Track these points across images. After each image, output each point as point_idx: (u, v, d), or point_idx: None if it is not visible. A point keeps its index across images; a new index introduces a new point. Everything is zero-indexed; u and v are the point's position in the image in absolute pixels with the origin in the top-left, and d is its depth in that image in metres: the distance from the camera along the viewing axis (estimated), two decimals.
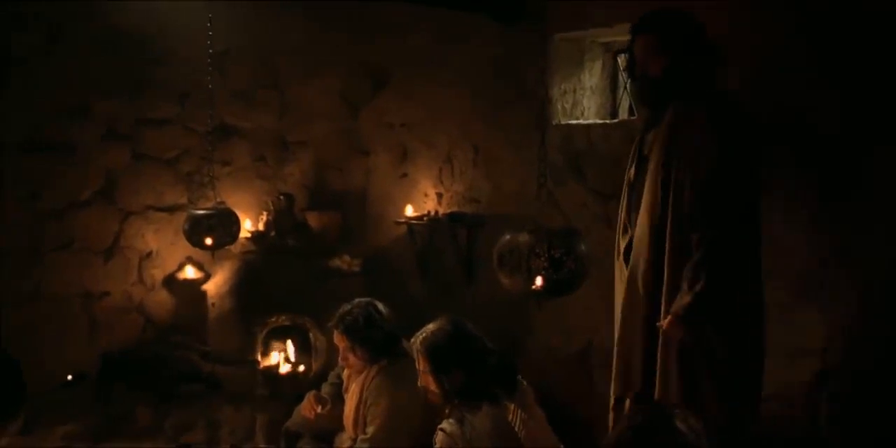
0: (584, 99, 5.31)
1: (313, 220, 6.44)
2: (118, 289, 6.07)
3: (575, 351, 4.96)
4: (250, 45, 6.15)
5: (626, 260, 3.63)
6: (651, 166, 3.45)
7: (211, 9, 4.90)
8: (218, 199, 5.28)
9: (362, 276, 5.99)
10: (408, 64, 6.14)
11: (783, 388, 3.79)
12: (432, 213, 5.93)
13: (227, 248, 5.40)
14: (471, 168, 5.72)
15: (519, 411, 3.51)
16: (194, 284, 6.10)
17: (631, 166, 3.67)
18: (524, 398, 3.60)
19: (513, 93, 5.31)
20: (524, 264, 3.52)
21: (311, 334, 5.79)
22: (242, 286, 5.83)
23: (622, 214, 3.70)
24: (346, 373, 4.49)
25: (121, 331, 6.07)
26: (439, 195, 5.99)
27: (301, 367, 5.78)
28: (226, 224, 5.05)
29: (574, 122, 5.10)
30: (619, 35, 4.90)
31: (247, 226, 5.99)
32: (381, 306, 4.35)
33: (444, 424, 3.56)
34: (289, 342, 5.83)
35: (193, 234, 4.99)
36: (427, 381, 3.67)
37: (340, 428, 4.45)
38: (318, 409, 4.46)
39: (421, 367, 3.67)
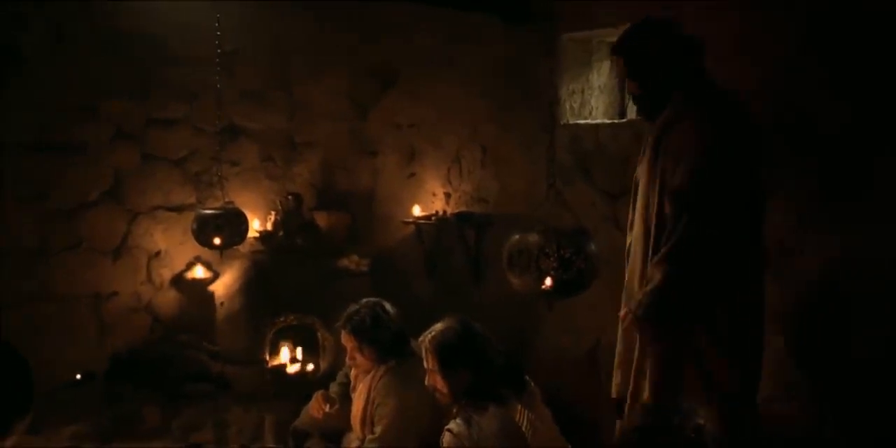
0: (593, 99, 5.30)
1: (321, 220, 6.44)
2: (126, 289, 6.08)
3: (583, 351, 4.95)
4: (258, 45, 6.16)
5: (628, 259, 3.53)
6: (645, 166, 3.38)
7: (219, 9, 4.91)
8: (226, 199, 5.29)
9: (370, 276, 5.99)
10: (415, 64, 6.15)
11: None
12: (440, 212, 5.93)
13: (235, 247, 5.41)
14: (479, 168, 5.73)
15: (526, 411, 3.51)
16: (203, 284, 6.11)
17: (638, 165, 3.53)
18: (531, 398, 3.60)
19: (521, 93, 5.30)
20: (534, 264, 3.52)
21: (318, 334, 5.80)
22: (251, 286, 5.83)
23: (630, 214, 3.58)
24: (353, 372, 4.49)
25: (129, 330, 6.08)
26: (447, 195, 5.99)
27: (309, 367, 5.79)
28: (234, 224, 5.05)
29: (582, 121, 5.10)
30: None
31: (255, 225, 6.00)
32: (388, 306, 4.34)
33: (451, 425, 3.56)
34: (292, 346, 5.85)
35: (202, 233, 5.00)
36: (435, 380, 3.67)
37: (348, 427, 4.45)
38: (326, 409, 4.46)
39: (429, 366, 3.67)
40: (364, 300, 4.37)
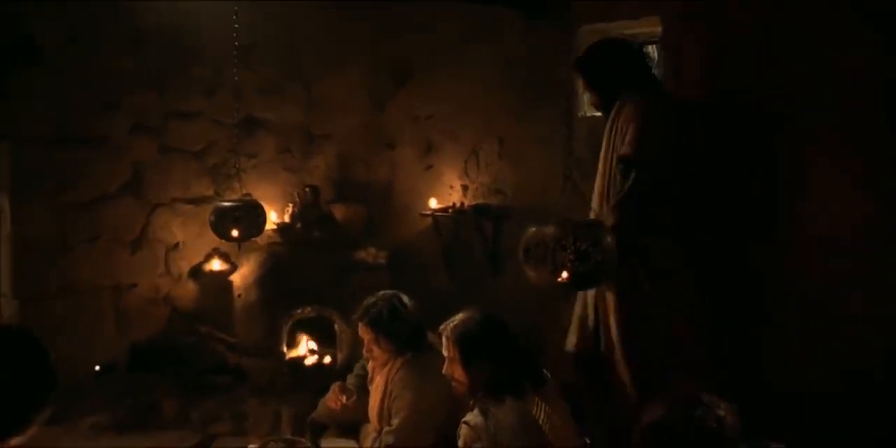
0: None
1: (339, 212, 6.45)
2: (145, 280, 6.13)
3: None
4: (276, 39, 6.17)
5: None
6: (603, 146, 4.13)
7: (237, 4, 4.91)
8: (244, 192, 5.30)
9: (387, 269, 5.99)
10: (433, 57, 6.14)
11: None
12: (457, 205, 5.93)
13: (253, 240, 5.42)
14: (496, 160, 5.72)
15: (543, 405, 3.50)
16: (221, 276, 6.13)
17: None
18: (549, 392, 3.59)
19: (539, 85, 5.29)
20: (550, 257, 3.51)
21: (336, 326, 5.81)
22: (268, 278, 5.85)
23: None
24: (371, 365, 4.50)
25: (148, 322, 6.13)
26: (465, 187, 5.99)
27: (326, 359, 5.80)
28: (252, 216, 5.05)
29: (599, 114, 5.08)
30: (645, 27, 4.88)
31: (272, 218, 6.01)
32: (405, 299, 4.35)
33: (468, 417, 3.55)
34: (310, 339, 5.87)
35: (220, 226, 5.00)
36: (454, 369, 3.66)
37: (365, 419, 4.47)
38: (344, 401, 4.47)
39: (449, 355, 3.66)
40: (381, 292, 4.37)
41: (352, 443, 4.48)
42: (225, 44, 5.02)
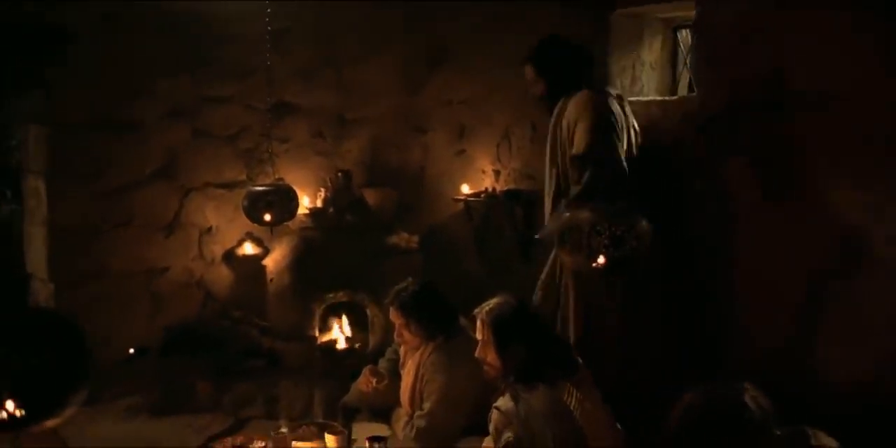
0: (644, 75, 5.25)
1: (371, 196, 6.45)
2: (179, 264, 6.17)
3: None
4: (309, 23, 6.16)
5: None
6: (549, 140, 4.41)
7: None
8: (277, 176, 5.33)
9: (419, 253, 6.00)
10: (466, 41, 6.10)
11: None
12: (489, 190, 5.91)
13: (285, 224, 5.44)
14: (528, 145, 5.69)
15: (575, 392, 3.49)
16: (253, 260, 6.15)
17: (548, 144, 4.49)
18: (582, 380, 3.58)
19: None
20: (585, 242, 3.50)
21: (368, 310, 5.82)
22: (300, 262, 5.86)
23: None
24: (402, 349, 4.52)
25: (181, 306, 6.17)
26: (496, 172, 5.97)
27: (358, 344, 5.82)
28: (284, 200, 5.07)
29: (633, 98, 5.04)
30: (680, 10, 4.84)
31: (305, 202, 6.03)
32: (437, 283, 4.36)
33: (499, 402, 3.56)
34: (344, 318, 5.89)
35: (253, 210, 5.02)
36: (486, 352, 3.66)
37: (397, 403, 4.49)
38: (375, 385, 4.49)
39: (482, 338, 3.66)
40: (413, 277, 4.39)
41: (383, 426, 4.50)
42: (258, 28, 5.05)
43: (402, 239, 6.06)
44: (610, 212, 3.59)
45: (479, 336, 3.70)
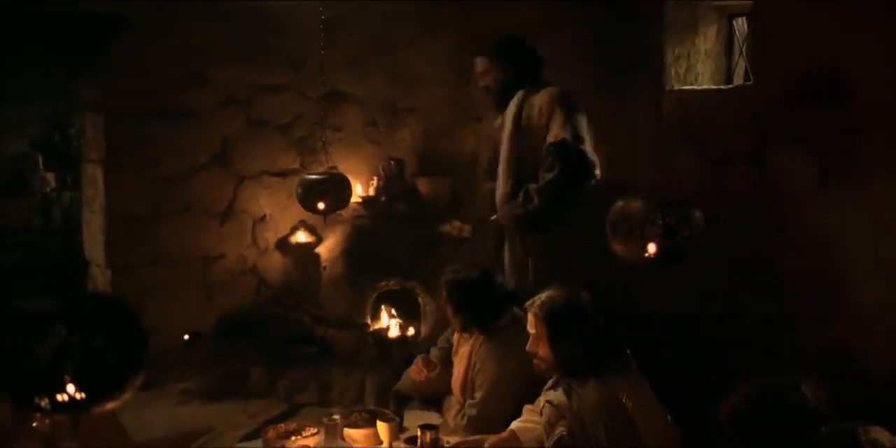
0: (698, 64, 5.19)
1: (423, 185, 6.45)
2: (233, 252, 6.21)
3: None
4: (362, 12, 6.17)
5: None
6: (508, 132, 4.66)
7: None
8: (330, 165, 5.35)
9: (472, 242, 5.99)
10: (519, 29, 6.07)
11: None
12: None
13: (338, 213, 5.47)
14: None
15: (627, 385, 3.47)
16: (306, 248, 6.18)
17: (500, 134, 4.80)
18: (633, 373, 3.56)
19: (625, 59, 5.22)
20: (638, 232, 3.47)
21: (420, 299, 5.83)
22: (353, 251, 5.89)
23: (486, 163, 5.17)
24: (455, 336, 4.53)
25: (235, 293, 6.22)
26: None
27: (410, 332, 5.84)
28: (338, 189, 5.10)
29: (688, 87, 5.00)
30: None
31: (358, 191, 6.05)
32: (492, 272, 4.36)
33: (551, 396, 3.55)
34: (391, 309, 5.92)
35: (307, 198, 5.05)
36: (538, 346, 3.64)
37: (449, 392, 4.50)
38: (427, 373, 4.51)
39: (534, 332, 3.64)
40: (466, 265, 4.39)
41: (435, 415, 4.52)
42: (311, 17, 5.07)
43: (455, 228, 6.06)
44: (662, 201, 3.55)
45: (530, 330, 3.68)
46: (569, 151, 4.34)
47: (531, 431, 3.76)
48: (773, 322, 4.22)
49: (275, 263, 6.35)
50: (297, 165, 6.29)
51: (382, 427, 4.11)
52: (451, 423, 4.35)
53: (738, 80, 5.18)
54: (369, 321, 5.83)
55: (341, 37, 5.97)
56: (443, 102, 6.62)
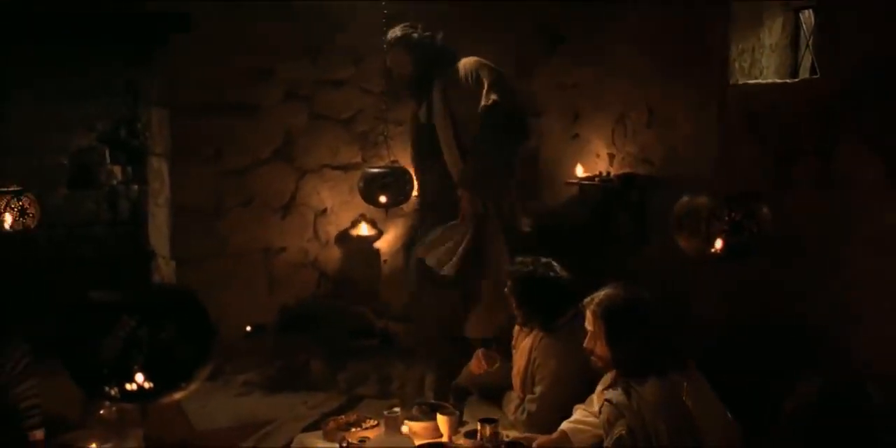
0: (763, 58, 5.11)
1: None
2: (294, 244, 6.27)
3: None
4: (424, 7, 6.17)
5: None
6: (441, 113, 5.06)
7: None
8: (391, 158, 5.37)
9: (534, 236, 5.98)
10: (580, 23, 6.05)
11: None
12: (604, 174, 5.86)
13: (399, 207, 5.49)
14: (644, 129, 5.61)
15: (687, 383, 3.44)
16: (367, 241, 6.23)
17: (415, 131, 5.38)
18: (691, 371, 3.53)
19: (690, 52, 5.15)
20: (703, 227, 3.43)
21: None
22: (414, 244, 5.91)
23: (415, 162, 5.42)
24: (515, 329, 4.52)
25: (297, 285, 6.27)
26: (611, 156, 5.90)
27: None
28: (399, 183, 5.12)
29: (753, 81, 4.92)
30: None
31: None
32: (555, 265, 4.34)
33: (610, 395, 3.52)
34: None
35: (368, 191, 5.08)
36: (595, 344, 3.62)
37: (508, 386, 4.49)
38: (487, 367, 4.51)
39: (592, 330, 3.62)
40: (530, 259, 4.38)
41: (494, 409, 4.52)
42: (373, 12, 5.09)
43: (524, 223, 6.03)
44: (729, 196, 3.51)
45: (588, 327, 3.66)
46: (501, 111, 4.85)
47: (582, 432, 3.74)
48: (838, 320, 4.14)
49: (335, 257, 6.39)
50: (358, 159, 6.33)
51: (443, 420, 4.11)
52: (510, 417, 4.34)
53: (804, 73, 5.09)
54: None
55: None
56: None
